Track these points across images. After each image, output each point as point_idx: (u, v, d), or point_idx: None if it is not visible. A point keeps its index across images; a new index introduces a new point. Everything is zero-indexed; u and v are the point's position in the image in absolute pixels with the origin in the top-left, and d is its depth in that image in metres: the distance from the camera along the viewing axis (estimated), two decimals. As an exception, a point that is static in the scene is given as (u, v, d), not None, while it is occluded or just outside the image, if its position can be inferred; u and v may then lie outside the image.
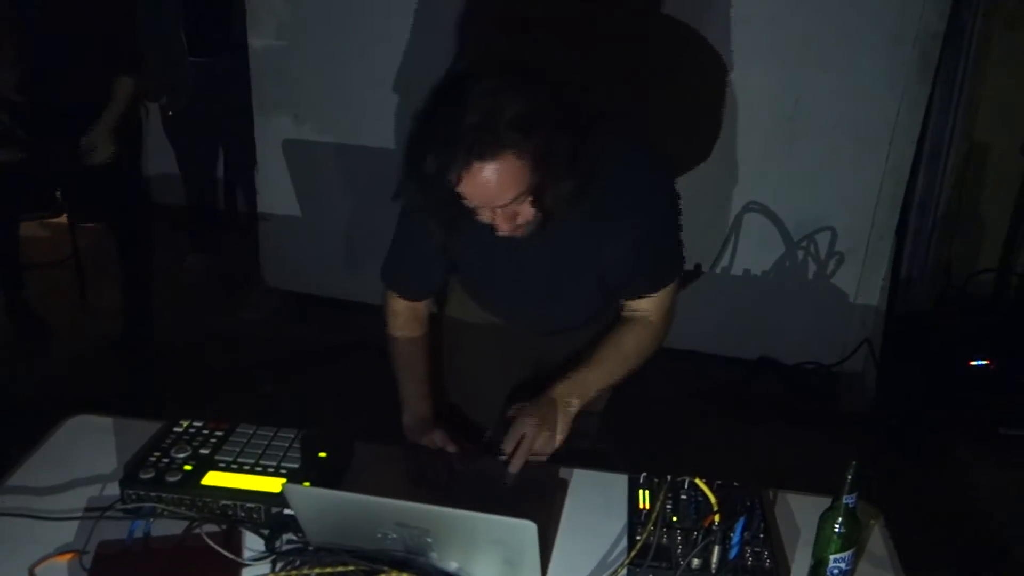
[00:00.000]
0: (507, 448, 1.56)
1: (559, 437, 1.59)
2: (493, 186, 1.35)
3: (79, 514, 1.47)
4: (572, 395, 1.62)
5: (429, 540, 1.29)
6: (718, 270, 3.45)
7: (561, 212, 1.44)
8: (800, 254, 3.37)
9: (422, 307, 1.81)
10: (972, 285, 3.77)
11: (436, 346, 1.86)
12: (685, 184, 3.34)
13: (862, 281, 3.36)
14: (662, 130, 3.18)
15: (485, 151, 1.30)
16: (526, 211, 1.43)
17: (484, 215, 1.43)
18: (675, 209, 1.66)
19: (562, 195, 1.41)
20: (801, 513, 1.55)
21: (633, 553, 1.37)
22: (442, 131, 1.32)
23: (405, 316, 1.80)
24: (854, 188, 3.24)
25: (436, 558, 1.32)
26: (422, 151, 1.35)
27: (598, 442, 1.95)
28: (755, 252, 3.41)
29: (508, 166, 1.33)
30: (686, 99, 3.22)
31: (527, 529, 1.21)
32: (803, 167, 3.24)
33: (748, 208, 3.34)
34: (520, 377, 1.89)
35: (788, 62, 3.12)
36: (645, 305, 1.70)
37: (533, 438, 1.55)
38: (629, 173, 1.56)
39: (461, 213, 1.45)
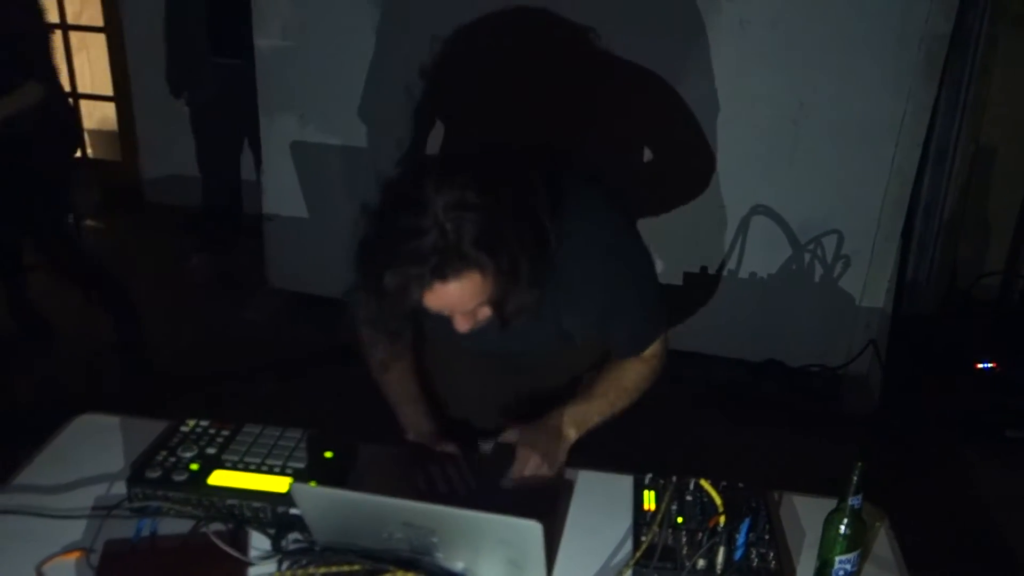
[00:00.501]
0: (515, 476, 1.57)
1: (556, 468, 1.60)
2: (455, 300, 1.34)
3: (86, 513, 1.48)
4: (572, 427, 1.64)
5: (435, 540, 1.29)
6: (725, 273, 3.45)
7: (519, 318, 1.42)
8: (807, 256, 3.37)
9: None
10: (978, 288, 3.76)
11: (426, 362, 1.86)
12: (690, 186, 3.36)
13: (868, 283, 3.36)
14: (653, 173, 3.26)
15: (449, 272, 1.28)
16: (485, 312, 1.41)
17: (444, 312, 1.40)
18: (641, 274, 1.64)
19: (523, 305, 1.39)
20: (806, 514, 1.55)
21: (639, 554, 1.37)
22: (403, 247, 1.28)
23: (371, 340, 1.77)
24: (860, 190, 3.23)
25: (442, 558, 1.33)
26: (381, 265, 1.31)
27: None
28: (761, 255, 3.41)
29: (472, 283, 1.31)
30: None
31: (533, 529, 1.21)
32: (808, 170, 3.24)
33: (755, 211, 3.34)
34: (507, 388, 1.90)
35: (792, 64, 3.12)
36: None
37: (536, 468, 1.57)
38: (589, 246, 1.51)
39: (415, 315, 1.44)
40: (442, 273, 1.28)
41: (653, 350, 1.69)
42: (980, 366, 3.38)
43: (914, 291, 3.66)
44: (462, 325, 1.41)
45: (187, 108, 4.12)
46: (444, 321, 1.44)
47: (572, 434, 1.64)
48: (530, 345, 1.73)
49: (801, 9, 3.05)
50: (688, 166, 3.34)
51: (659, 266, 3.38)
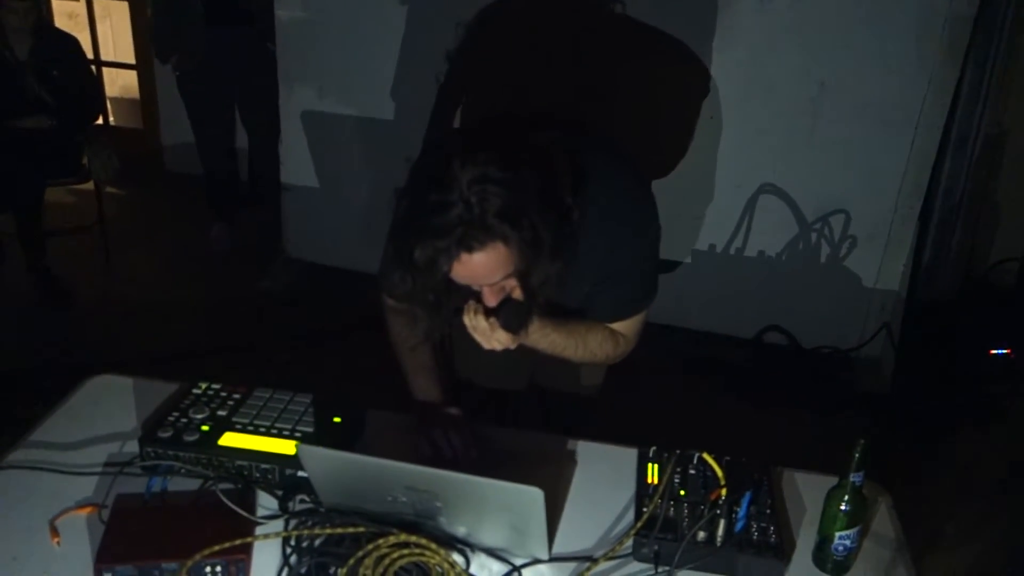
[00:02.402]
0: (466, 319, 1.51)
1: (508, 342, 1.53)
2: (481, 271, 1.37)
3: (99, 470, 1.51)
4: (536, 332, 1.59)
5: (438, 504, 1.32)
6: (734, 251, 3.44)
7: (547, 292, 1.45)
8: (822, 239, 3.35)
9: None
10: (995, 274, 3.73)
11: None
12: (701, 165, 3.36)
13: (883, 266, 3.35)
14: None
15: (474, 243, 1.32)
16: (512, 285, 1.44)
17: (473, 286, 1.45)
18: (646, 250, 1.64)
19: (548, 277, 1.42)
20: (808, 491, 1.57)
21: (640, 524, 1.39)
22: (430, 222, 1.32)
23: (406, 316, 1.79)
24: (878, 172, 3.21)
25: (445, 523, 1.35)
26: (410, 241, 1.35)
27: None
28: (775, 235, 3.40)
29: (496, 254, 1.34)
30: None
31: (534, 496, 1.22)
32: (825, 150, 3.22)
33: (770, 191, 3.33)
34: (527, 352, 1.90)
35: (813, 45, 3.09)
36: (616, 324, 1.71)
37: (480, 332, 1.51)
38: (605, 216, 1.54)
39: (447, 291, 1.46)
40: (468, 244, 1.31)
41: (625, 328, 1.70)
42: (995, 352, 3.36)
43: (930, 275, 3.63)
44: (490, 299, 1.45)
45: (175, 74, 4.11)
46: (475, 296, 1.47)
47: (523, 335, 1.57)
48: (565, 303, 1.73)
49: (824, -13, 3.03)
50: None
51: (674, 246, 3.42)
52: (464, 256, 1.33)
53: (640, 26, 3.06)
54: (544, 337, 1.60)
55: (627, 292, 1.66)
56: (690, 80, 3.20)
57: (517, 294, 1.46)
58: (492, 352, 1.54)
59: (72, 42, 3.87)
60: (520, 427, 1.78)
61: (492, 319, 1.47)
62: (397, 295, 1.57)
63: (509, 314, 1.46)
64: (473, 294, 1.47)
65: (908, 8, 2.98)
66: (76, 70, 3.86)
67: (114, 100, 5.46)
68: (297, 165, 3.81)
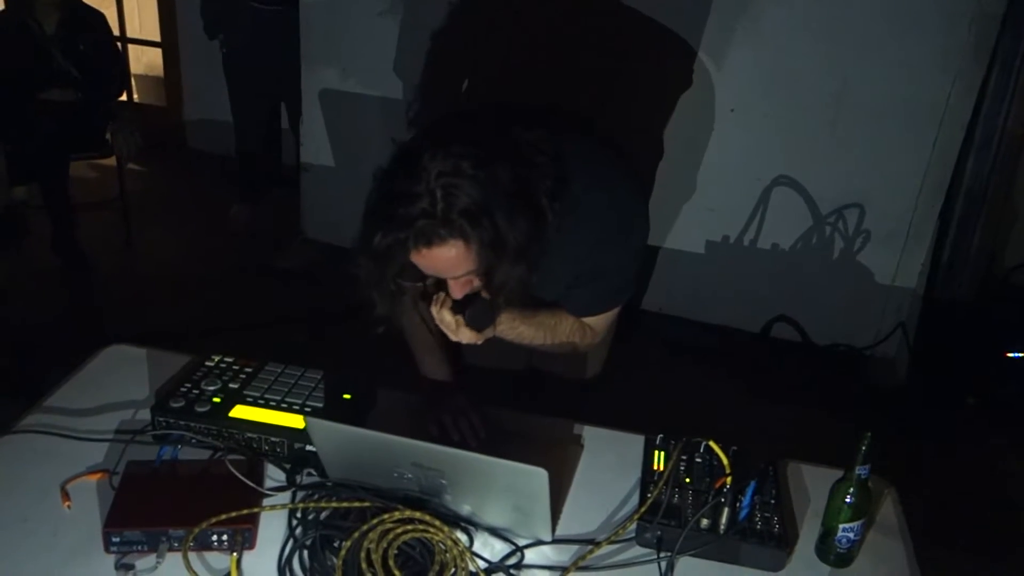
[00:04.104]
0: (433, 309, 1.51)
1: (476, 338, 1.53)
2: (441, 266, 1.36)
3: (111, 436, 1.53)
4: (504, 323, 1.59)
5: (444, 482, 1.33)
6: (747, 244, 3.43)
7: (510, 292, 1.42)
8: (839, 235, 3.33)
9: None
10: (1016, 276, 3.69)
11: None
12: (716, 157, 3.34)
13: (901, 265, 3.32)
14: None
15: (434, 238, 1.30)
16: (475, 282, 1.43)
17: (436, 276, 1.44)
18: (629, 251, 1.62)
19: (511, 277, 1.39)
20: (814, 483, 1.56)
21: (643, 509, 1.40)
22: (395, 211, 1.31)
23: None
24: (899, 170, 3.18)
25: (450, 500, 1.36)
26: (375, 227, 1.35)
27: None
28: (792, 231, 3.38)
29: (456, 251, 1.32)
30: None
31: (539, 476, 1.23)
32: (846, 146, 3.19)
33: (790, 186, 3.31)
34: None
35: (837, 39, 3.07)
36: (588, 319, 1.70)
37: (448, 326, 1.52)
38: (591, 217, 1.52)
39: (412, 278, 1.45)
40: (427, 239, 1.30)
41: (595, 322, 1.69)
42: (1012, 355, 3.33)
43: (949, 275, 3.60)
44: (456, 291, 1.44)
45: (221, 52, 4.14)
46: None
47: (491, 331, 1.58)
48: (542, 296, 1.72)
49: (850, -17, 3.00)
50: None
51: (686, 238, 3.42)
52: (424, 250, 1.32)
53: (637, 17, 3.05)
54: (512, 330, 1.60)
55: (603, 289, 1.65)
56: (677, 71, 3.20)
57: (478, 286, 1.44)
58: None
59: (99, 17, 3.90)
60: (519, 408, 1.78)
61: (458, 316, 1.47)
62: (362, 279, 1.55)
63: (475, 312, 1.46)
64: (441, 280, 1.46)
65: (934, 5, 2.94)
66: (102, 45, 3.89)
67: (138, 77, 5.50)
68: (317, 146, 3.82)
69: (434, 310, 1.49)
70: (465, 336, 1.50)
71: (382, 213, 1.34)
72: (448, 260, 1.34)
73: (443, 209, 1.29)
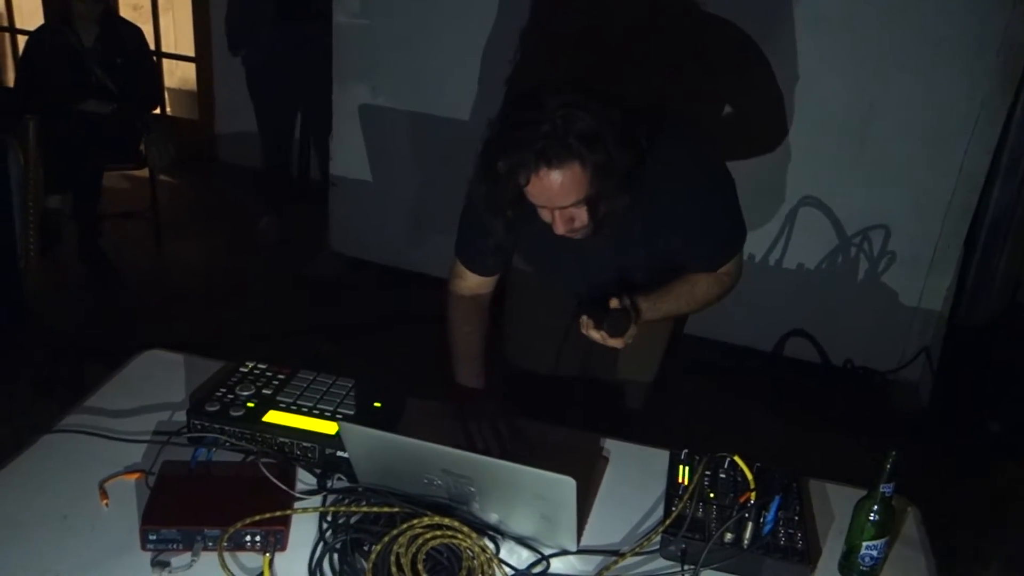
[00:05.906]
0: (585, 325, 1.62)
1: (625, 340, 1.62)
2: (556, 189, 1.47)
3: (147, 438, 1.57)
4: (647, 311, 1.69)
5: (472, 489, 1.35)
6: (771, 263, 3.44)
7: (611, 223, 1.56)
8: (864, 258, 3.34)
9: (487, 289, 1.88)
10: (1041, 303, 3.69)
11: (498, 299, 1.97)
12: (748, 174, 3.36)
13: (926, 290, 3.32)
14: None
15: (553, 158, 1.42)
16: (582, 216, 1.54)
17: (545, 215, 1.56)
18: (727, 200, 1.73)
19: (615, 207, 1.53)
20: (839, 502, 1.57)
21: (668, 522, 1.41)
22: (517, 135, 1.44)
23: (471, 290, 1.86)
24: (925, 194, 3.19)
25: (478, 508, 1.38)
26: (496, 153, 1.46)
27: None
28: (817, 253, 3.39)
29: (572, 174, 1.45)
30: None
31: (567, 485, 1.25)
32: (872, 169, 3.21)
33: (815, 207, 3.32)
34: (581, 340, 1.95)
35: (866, 63, 3.09)
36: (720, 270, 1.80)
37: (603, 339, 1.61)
38: (685, 174, 1.65)
39: (523, 212, 1.57)
40: (547, 159, 1.42)
41: (727, 268, 1.79)
42: (1035, 382, 3.32)
43: (973, 301, 3.60)
44: (559, 226, 1.54)
45: (243, 67, 4.22)
46: (540, 242, 1.62)
47: (634, 329, 1.65)
48: (628, 283, 1.79)
49: (878, 8, 3.02)
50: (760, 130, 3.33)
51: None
52: (543, 170, 1.43)
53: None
54: (656, 311, 1.70)
55: (717, 242, 1.76)
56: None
57: (579, 223, 1.54)
58: (544, 341, 1.64)
59: (136, 32, 3.99)
60: (561, 420, 1.83)
61: (602, 332, 1.57)
62: (478, 205, 1.63)
63: (613, 324, 1.56)
64: (545, 229, 1.56)
65: (962, 32, 2.96)
66: (138, 58, 3.97)
67: (172, 91, 5.59)
68: (346, 161, 3.87)
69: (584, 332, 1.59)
70: (615, 343, 1.59)
71: (504, 140, 1.46)
72: (564, 183, 1.45)
73: (563, 132, 1.41)
